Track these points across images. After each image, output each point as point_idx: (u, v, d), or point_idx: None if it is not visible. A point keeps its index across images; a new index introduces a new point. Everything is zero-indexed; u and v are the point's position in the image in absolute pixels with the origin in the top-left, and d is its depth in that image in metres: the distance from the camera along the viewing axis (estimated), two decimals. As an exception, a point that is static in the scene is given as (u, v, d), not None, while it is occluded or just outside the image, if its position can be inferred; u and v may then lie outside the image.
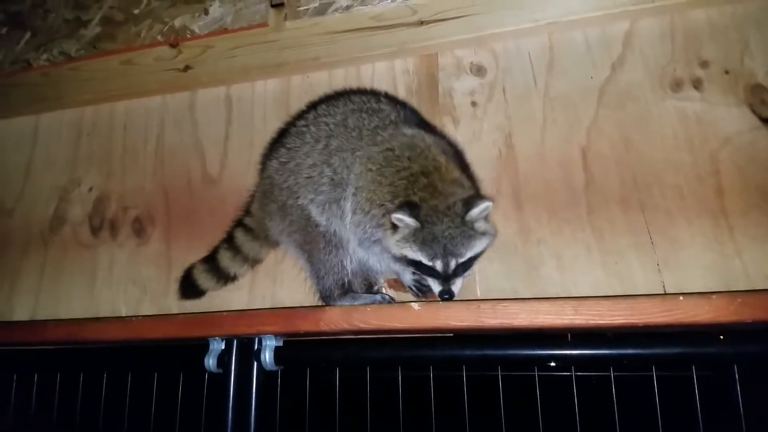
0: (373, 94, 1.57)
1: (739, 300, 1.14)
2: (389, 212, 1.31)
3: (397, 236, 1.31)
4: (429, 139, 1.42)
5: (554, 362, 1.30)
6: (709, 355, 1.21)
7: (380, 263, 1.47)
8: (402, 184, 1.34)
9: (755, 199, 1.39)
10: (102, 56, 2.00)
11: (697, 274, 1.38)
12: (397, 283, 1.58)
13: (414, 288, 1.49)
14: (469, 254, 1.31)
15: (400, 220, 1.28)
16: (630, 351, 1.23)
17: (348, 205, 1.43)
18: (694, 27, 1.53)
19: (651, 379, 1.23)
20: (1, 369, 1.75)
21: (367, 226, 1.38)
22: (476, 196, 1.33)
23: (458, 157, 1.46)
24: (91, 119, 2.06)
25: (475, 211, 1.28)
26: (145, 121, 1.99)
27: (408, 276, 1.48)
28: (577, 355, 1.28)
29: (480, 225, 1.32)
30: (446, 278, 1.30)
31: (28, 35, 2.12)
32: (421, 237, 1.28)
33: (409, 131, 1.43)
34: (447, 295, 1.30)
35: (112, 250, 1.91)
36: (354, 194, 1.41)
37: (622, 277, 1.41)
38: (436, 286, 1.32)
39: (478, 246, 1.32)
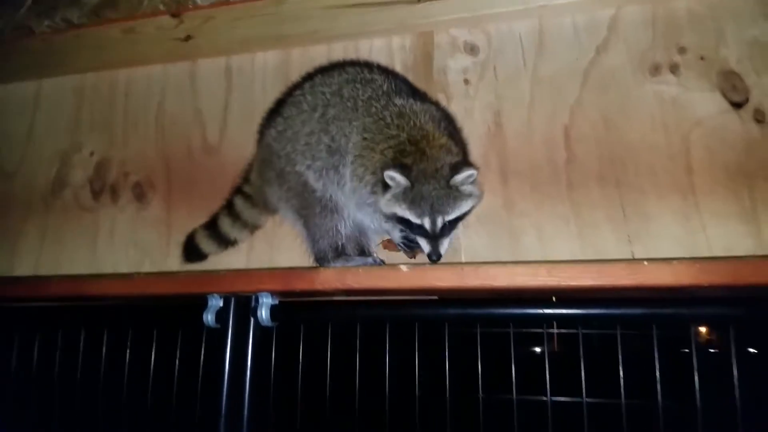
0: (366, 65, 1.66)
1: (698, 266, 1.27)
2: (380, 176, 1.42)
3: (388, 195, 1.42)
4: (418, 107, 1.52)
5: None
6: (668, 316, 1.35)
7: (374, 223, 1.58)
8: (390, 152, 1.45)
9: (721, 178, 1.52)
10: (104, 24, 2.05)
11: (665, 246, 1.51)
12: (390, 243, 1.68)
13: (402, 245, 1.60)
14: (455, 213, 1.43)
15: (392, 178, 1.39)
16: (598, 311, 1.37)
17: (347, 172, 1.53)
18: (674, 15, 1.63)
19: (616, 337, 1.36)
20: (5, 325, 1.84)
21: (363, 191, 1.49)
22: (462, 162, 1.44)
23: (447, 122, 1.57)
24: (92, 86, 2.13)
25: (459, 177, 1.40)
26: (147, 89, 2.06)
27: (397, 234, 1.59)
28: (551, 314, 1.42)
29: (466, 188, 1.43)
30: (434, 237, 1.42)
31: (29, 1, 2.17)
32: (411, 196, 1.39)
33: (399, 101, 1.53)
34: (435, 257, 1.42)
35: (113, 214, 1.99)
36: (352, 162, 1.51)
37: (597, 248, 1.54)
38: (425, 246, 1.44)
39: (463, 206, 1.44)
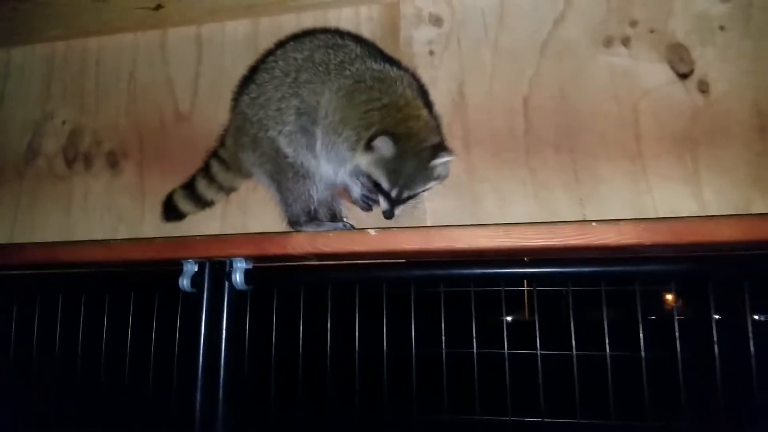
0: (338, 32, 1.70)
1: (642, 226, 1.35)
2: (367, 136, 1.49)
3: (369, 157, 1.50)
4: (395, 72, 1.58)
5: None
6: (616, 272, 1.45)
7: (337, 175, 1.63)
8: (375, 114, 1.51)
9: (667, 145, 1.61)
10: (74, -8, 2.04)
11: (614, 208, 1.60)
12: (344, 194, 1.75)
13: (361, 201, 1.69)
14: (420, 189, 1.54)
15: (382, 145, 1.46)
16: (551, 270, 1.46)
17: (318, 130, 1.58)
18: (628, -11, 1.70)
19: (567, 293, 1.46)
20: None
21: (340, 146, 1.54)
22: (442, 147, 1.53)
23: (422, 91, 1.63)
24: (63, 55, 2.11)
25: (438, 161, 1.50)
26: (118, 59, 2.05)
27: (357, 190, 1.67)
28: (503, 273, 1.51)
29: (439, 169, 1.53)
30: (395, 202, 1.52)
31: (-4, -32, 2.13)
32: (391, 166, 1.48)
33: (376, 65, 1.58)
34: (388, 216, 1.55)
35: (87, 181, 2.01)
36: (324, 117, 1.56)
37: (551, 210, 1.63)
38: (384, 205, 1.55)
39: (430, 184, 1.55)
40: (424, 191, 1.56)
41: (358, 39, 1.67)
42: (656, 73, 1.64)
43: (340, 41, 1.62)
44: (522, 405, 1.49)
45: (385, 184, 1.51)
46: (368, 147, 1.49)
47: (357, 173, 1.57)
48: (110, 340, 1.73)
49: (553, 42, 1.71)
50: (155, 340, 1.69)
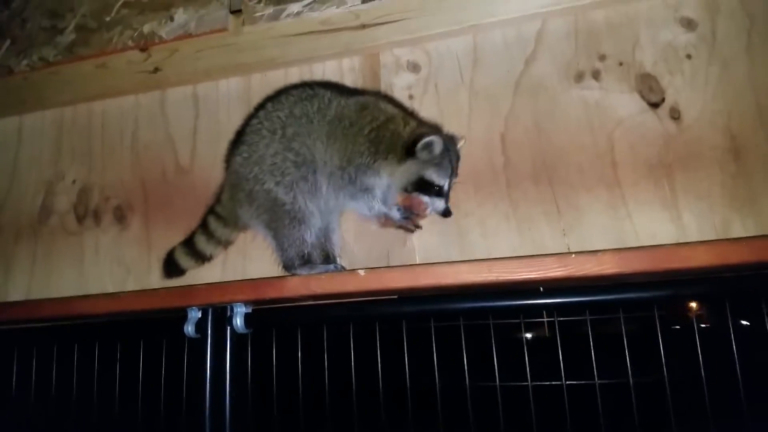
0: (306, 84, 1.79)
1: (619, 255, 1.37)
2: (382, 154, 1.57)
3: (413, 164, 1.56)
4: (367, 98, 1.68)
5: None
6: (599, 302, 1.46)
7: (370, 208, 1.65)
8: (378, 134, 1.58)
9: (643, 171, 1.63)
10: (78, 60, 2.12)
11: (596, 235, 1.61)
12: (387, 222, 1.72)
13: (403, 219, 1.65)
14: (456, 177, 1.63)
15: (430, 144, 1.52)
16: (536, 301, 1.48)
17: (321, 178, 1.65)
18: (594, 26, 1.73)
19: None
20: (2, 346, 1.93)
21: (356, 180, 1.60)
22: (454, 135, 1.67)
23: (396, 103, 1.72)
24: (71, 118, 2.21)
25: (460, 143, 1.65)
26: (121, 119, 2.14)
27: (395, 213, 1.65)
28: (499, 306, 1.52)
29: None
30: (446, 196, 1.60)
31: (8, 43, 2.24)
32: (441, 160, 1.56)
33: (350, 100, 1.66)
34: (448, 213, 1.60)
35: (97, 236, 2.08)
36: (325, 164, 1.63)
37: (535, 242, 1.65)
38: (440, 205, 1.60)
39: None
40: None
41: (325, 84, 1.76)
42: (628, 104, 1.67)
43: (311, 91, 1.70)
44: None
45: (438, 180, 1.57)
46: (410, 154, 1.54)
47: (405, 185, 1.60)
48: (123, 384, 1.80)
49: (526, 80, 1.75)
50: (164, 383, 1.74)
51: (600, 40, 1.73)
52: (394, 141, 1.57)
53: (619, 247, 1.53)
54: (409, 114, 1.67)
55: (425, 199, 1.59)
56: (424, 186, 1.58)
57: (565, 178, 1.66)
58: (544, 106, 1.72)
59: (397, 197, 1.64)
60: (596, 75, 1.71)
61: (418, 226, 1.68)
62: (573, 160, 1.67)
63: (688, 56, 1.66)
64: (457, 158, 1.63)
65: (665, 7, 1.69)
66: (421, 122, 1.66)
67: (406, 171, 1.57)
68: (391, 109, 1.65)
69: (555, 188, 1.66)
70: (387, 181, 1.61)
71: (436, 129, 1.64)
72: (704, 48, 1.65)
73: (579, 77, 1.72)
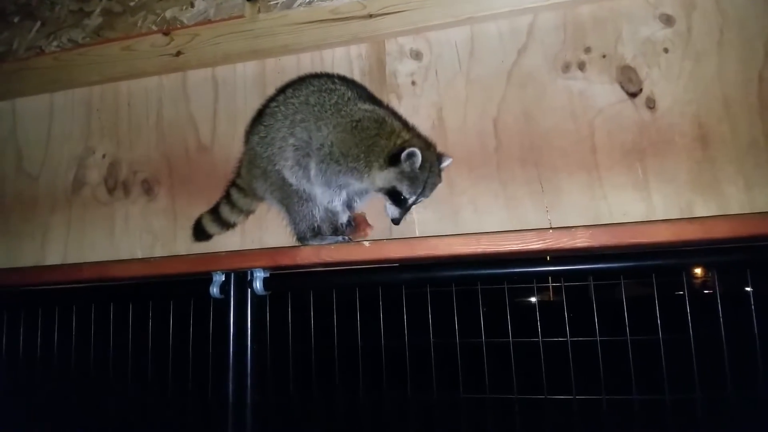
0: (328, 76, 1.89)
1: (591, 231, 1.54)
2: (378, 160, 1.69)
3: (391, 172, 1.68)
4: (382, 111, 1.78)
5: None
6: (573, 271, 1.64)
7: (337, 201, 1.83)
8: (378, 143, 1.70)
9: (619, 157, 1.77)
10: (105, 43, 2.25)
11: (575, 213, 1.76)
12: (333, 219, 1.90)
13: (346, 226, 1.88)
14: (428, 195, 1.75)
15: (412, 155, 1.63)
16: (518, 270, 1.66)
17: (311, 162, 1.77)
18: (581, 20, 1.84)
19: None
20: (45, 305, 2.09)
21: (340, 173, 1.73)
22: (442, 154, 1.78)
23: (403, 121, 1.83)
24: (99, 97, 2.33)
25: (445, 163, 1.76)
26: (146, 99, 2.27)
27: (345, 217, 1.86)
28: (485, 274, 1.70)
29: (439, 177, 1.75)
30: (406, 210, 1.74)
31: (38, 24, 2.37)
32: (417, 176, 1.67)
33: (367, 106, 1.78)
34: (397, 222, 1.76)
35: (126, 207, 2.24)
36: (319, 149, 1.75)
37: (520, 218, 1.80)
38: (395, 213, 1.75)
39: (434, 190, 1.75)
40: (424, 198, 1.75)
41: (347, 82, 1.86)
42: (608, 93, 1.80)
43: (332, 86, 1.81)
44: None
45: (407, 193, 1.69)
46: (391, 162, 1.67)
47: (378, 190, 1.74)
48: (154, 341, 1.96)
49: (517, 70, 1.88)
50: (192, 340, 1.90)
51: (585, 34, 1.84)
52: (385, 150, 1.69)
53: (592, 224, 1.69)
54: (409, 129, 1.78)
55: (387, 203, 1.75)
56: (392, 194, 1.71)
57: (549, 161, 1.81)
58: (533, 94, 1.85)
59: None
60: (581, 66, 1.83)
61: (350, 239, 1.85)
62: (557, 144, 1.81)
63: (665, 50, 1.78)
64: (438, 176, 1.74)
65: (646, 4, 1.80)
66: (418, 136, 1.77)
67: (385, 177, 1.70)
68: (396, 125, 1.75)
69: (540, 170, 1.81)
70: (366, 186, 1.75)
71: (428, 145, 1.77)
72: (680, 43, 1.77)
73: (566, 68, 1.84)
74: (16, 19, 2.40)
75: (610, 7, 1.83)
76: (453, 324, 1.72)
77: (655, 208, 1.72)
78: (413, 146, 1.64)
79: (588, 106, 1.81)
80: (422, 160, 1.65)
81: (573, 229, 1.55)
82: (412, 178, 1.68)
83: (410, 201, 1.71)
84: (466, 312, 1.74)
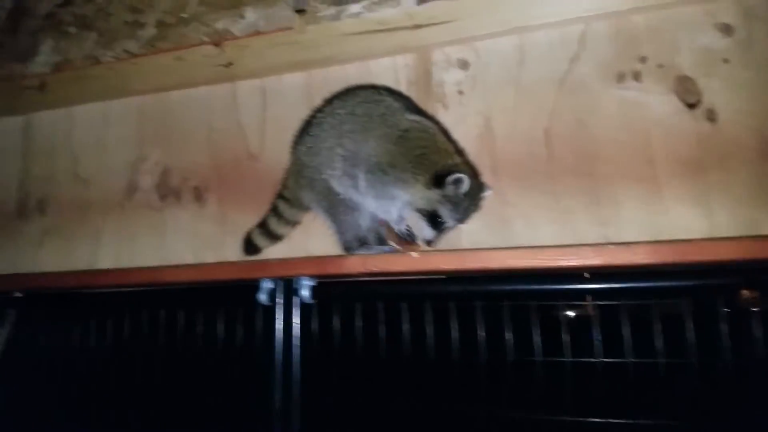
0: (374, 87, 1.86)
1: (650, 247, 1.47)
2: (425, 176, 1.63)
3: (436, 193, 1.63)
4: (428, 123, 1.74)
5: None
6: (633, 289, 1.56)
7: (385, 213, 1.78)
8: (425, 158, 1.65)
9: (678, 169, 1.69)
10: (158, 53, 2.26)
11: (633, 228, 1.69)
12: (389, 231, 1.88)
13: (403, 233, 1.80)
14: (467, 221, 1.69)
15: (461, 181, 1.58)
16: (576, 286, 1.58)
17: (359, 171, 1.74)
18: (635, 29, 1.78)
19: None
20: (96, 309, 2.12)
21: (388, 184, 1.69)
22: (483, 183, 1.71)
23: (448, 135, 1.77)
24: (152, 106, 2.37)
25: (485, 193, 1.69)
26: (197, 108, 2.29)
27: (403, 226, 1.79)
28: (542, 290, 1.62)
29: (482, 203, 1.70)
30: (442, 231, 1.68)
31: (94, 35, 2.41)
32: (458, 201, 1.62)
33: (414, 117, 1.74)
34: (432, 244, 1.70)
35: (177, 213, 2.26)
36: (367, 159, 1.72)
37: (575, 232, 1.73)
38: (430, 234, 1.68)
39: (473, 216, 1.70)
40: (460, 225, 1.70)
41: (392, 92, 1.83)
42: (665, 104, 1.72)
43: (378, 96, 1.78)
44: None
45: (447, 217, 1.64)
46: (437, 183, 1.62)
47: (417, 209, 1.68)
48: (204, 348, 1.96)
49: (570, 79, 1.82)
50: (240, 347, 1.90)
51: (640, 43, 1.77)
52: (432, 168, 1.64)
53: (653, 240, 1.62)
54: (458, 152, 1.72)
55: (424, 224, 1.69)
56: (431, 216, 1.66)
57: (605, 172, 1.74)
58: (586, 103, 1.79)
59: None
60: (636, 76, 1.76)
61: (399, 248, 1.81)
62: (612, 155, 1.74)
63: (725, 60, 1.70)
64: (478, 205, 1.69)
65: (704, 13, 1.72)
66: (465, 162, 1.72)
67: (427, 197, 1.64)
68: (443, 141, 1.70)
69: (595, 181, 1.75)
70: (409, 199, 1.69)
71: (475, 173, 1.70)
72: (740, 53, 1.68)
73: (620, 78, 1.77)
74: (73, 30, 2.45)
75: (665, 17, 1.76)
76: (501, 340, 1.66)
77: (718, 225, 1.63)
78: (462, 172, 1.60)
79: (644, 117, 1.74)
80: (471, 185, 1.61)
81: (633, 245, 1.48)
82: (455, 203, 1.63)
83: (447, 225, 1.67)
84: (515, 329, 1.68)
